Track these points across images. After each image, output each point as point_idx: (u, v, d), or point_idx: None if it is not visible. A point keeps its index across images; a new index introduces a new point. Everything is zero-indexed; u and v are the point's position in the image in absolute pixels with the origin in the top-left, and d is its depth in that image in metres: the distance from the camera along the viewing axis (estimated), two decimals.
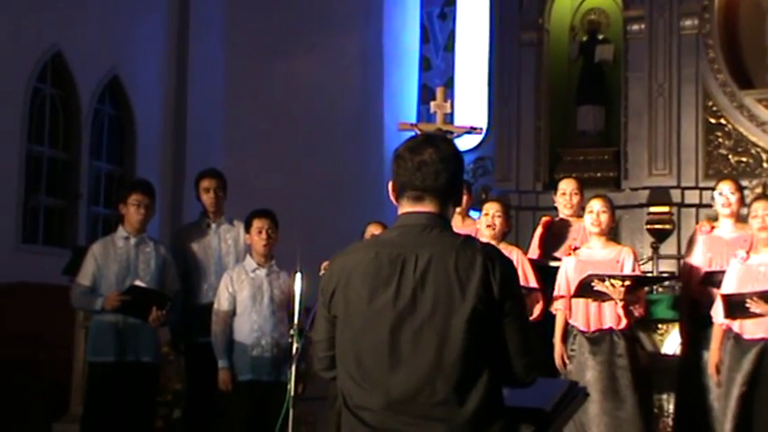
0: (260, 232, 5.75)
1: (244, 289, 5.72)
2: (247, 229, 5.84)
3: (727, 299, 5.33)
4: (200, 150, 10.78)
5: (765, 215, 5.36)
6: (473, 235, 6.31)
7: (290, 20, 11.57)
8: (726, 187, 6.04)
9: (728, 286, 5.44)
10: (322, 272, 5.33)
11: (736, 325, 5.39)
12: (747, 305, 5.22)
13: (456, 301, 2.49)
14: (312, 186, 10.96)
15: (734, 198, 5.99)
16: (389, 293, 2.53)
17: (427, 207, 2.61)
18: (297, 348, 4.85)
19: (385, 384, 2.50)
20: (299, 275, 4.98)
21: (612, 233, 6.19)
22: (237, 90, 11.33)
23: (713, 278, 5.75)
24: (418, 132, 10.85)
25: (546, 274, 5.98)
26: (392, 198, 2.69)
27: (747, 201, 6.15)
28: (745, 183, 9.43)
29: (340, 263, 2.66)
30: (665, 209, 10.24)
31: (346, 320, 2.59)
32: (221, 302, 5.75)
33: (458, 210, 6.65)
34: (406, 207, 2.64)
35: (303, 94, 11.54)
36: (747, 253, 5.43)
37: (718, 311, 5.47)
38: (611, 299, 5.58)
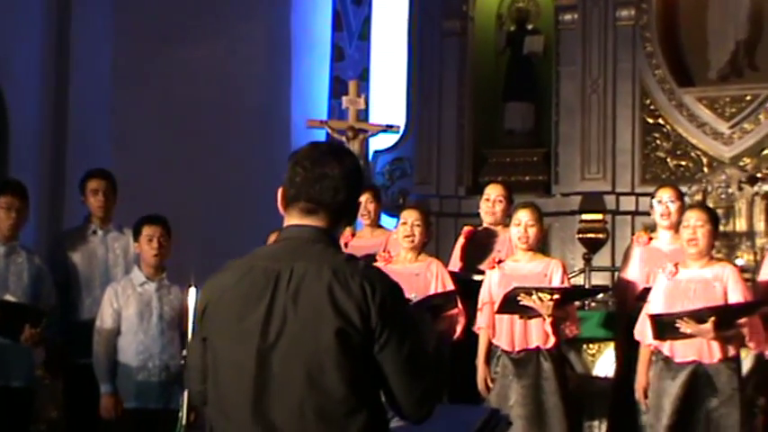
0: (150, 241, 5.71)
1: (130, 305, 5.67)
2: (136, 237, 5.80)
3: (655, 319, 5.41)
4: (84, 147, 10.60)
5: (697, 226, 5.44)
6: (381, 247, 6.42)
7: (188, 2, 11.47)
8: (666, 195, 6.16)
9: (656, 304, 5.52)
10: None
11: (665, 347, 5.47)
12: (677, 325, 5.31)
13: (325, 322, 2.50)
14: (210, 189, 10.86)
15: (674, 207, 6.10)
16: (260, 311, 2.54)
17: (317, 221, 2.65)
18: None
19: (251, 411, 2.51)
20: (192, 290, 4.94)
21: (541, 243, 6.27)
22: (127, 80, 11.18)
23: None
24: (329, 130, 10.91)
25: (468, 288, 6.03)
26: (280, 207, 2.71)
27: None
28: (684, 189, 9.63)
29: (215, 279, 2.69)
30: (599, 216, 10.40)
31: (214, 341, 2.61)
32: (104, 319, 5.69)
33: (366, 221, 6.78)
34: (294, 219, 2.67)
35: (202, 85, 11.44)
36: (676, 266, 5.52)
37: (644, 332, 5.55)
38: (539, 315, 5.65)
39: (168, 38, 11.40)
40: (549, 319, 5.66)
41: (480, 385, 5.76)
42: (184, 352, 4.91)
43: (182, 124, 11.27)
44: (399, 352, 2.54)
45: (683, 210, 6.13)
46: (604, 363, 7.07)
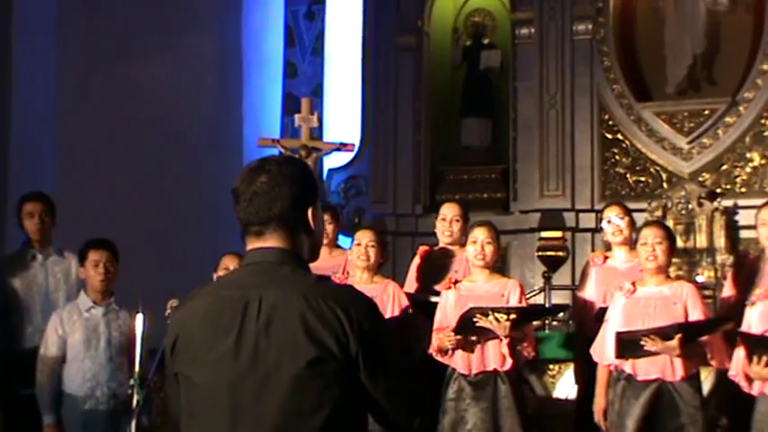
0: (96, 266, 5.67)
1: (76, 331, 5.63)
2: (82, 261, 5.76)
3: (621, 337, 5.47)
4: (27, 169, 10.53)
5: (655, 243, 5.53)
6: (339, 268, 6.42)
7: (136, 17, 11.42)
8: (612, 214, 6.32)
9: (614, 323, 5.59)
10: (168, 311, 5.32)
11: (628, 365, 5.53)
12: (642, 343, 5.38)
13: (301, 352, 2.49)
14: (160, 210, 10.81)
15: (624, 223, 6.26)
16: (229, 342, 2.52)
17: (271, 242, 2.64)
18: (138, 400, 4.80)
19: None
20: (140, 316, 4.92)
21: (499, 263, 6.31)
22: (72, 97, 11.11)
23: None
24: (281, 149, 10.90)
25: (425, 310, 6.05)
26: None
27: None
28: (644, 205, 9.76)
29: (181, 311, 2.68)
30: (558, 234, 10.47)
31: (187, 373, 2.59)
32: (48, 347, 5.63)
33: (324, 241, 6.76)
34: (250, 244, 2.67)
35: (150, 103, 11.39)
36: (633, 285, 5.61)
37: (602, 352, 5.62)
38: (496, 336, 5.68)
39: (115, 53, 11.34)
40: (505, 340, 5.68)
41: None
42: (132, 380, 4.90)
43: (129, 143, 11.21)
44: (387, 372, 2.57)
45: (632, 224, 6.26)
46: (565, 384, 7.11)
